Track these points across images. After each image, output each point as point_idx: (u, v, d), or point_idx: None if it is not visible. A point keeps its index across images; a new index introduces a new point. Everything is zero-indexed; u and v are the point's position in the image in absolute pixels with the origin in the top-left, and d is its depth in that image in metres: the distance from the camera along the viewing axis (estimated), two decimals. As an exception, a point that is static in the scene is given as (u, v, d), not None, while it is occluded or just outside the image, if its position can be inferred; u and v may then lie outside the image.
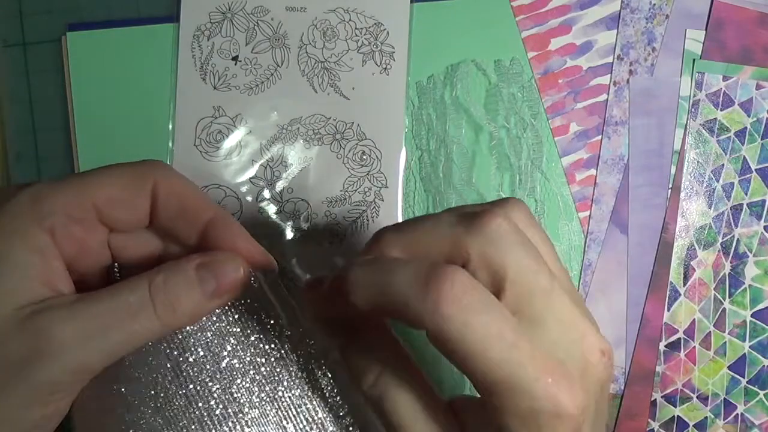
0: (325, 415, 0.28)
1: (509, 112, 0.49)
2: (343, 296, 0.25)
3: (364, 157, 0.49)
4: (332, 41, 0.49)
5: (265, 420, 0.28)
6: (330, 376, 0.29)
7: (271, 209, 0.49)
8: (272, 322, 0.29)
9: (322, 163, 0.49)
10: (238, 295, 0.28)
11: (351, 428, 0.28)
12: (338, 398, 0.28)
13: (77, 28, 0.49)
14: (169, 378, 0.28)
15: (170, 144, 0.49)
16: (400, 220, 0.49)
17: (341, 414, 0.28)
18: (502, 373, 0.23)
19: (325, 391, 0.29)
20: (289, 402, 0.28)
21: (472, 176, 0.49)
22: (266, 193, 0.49)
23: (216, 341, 0.28)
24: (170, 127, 0.49)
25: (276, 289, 0.29)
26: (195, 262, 0.27)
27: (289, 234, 0.49)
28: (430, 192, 0.49)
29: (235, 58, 0.49)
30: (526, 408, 0.23)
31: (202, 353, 0.28)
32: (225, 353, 0.28)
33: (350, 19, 0.49)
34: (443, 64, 0.50)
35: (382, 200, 0.49)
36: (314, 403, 0.28)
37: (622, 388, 0.49)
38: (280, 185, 0.49)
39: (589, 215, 0.49)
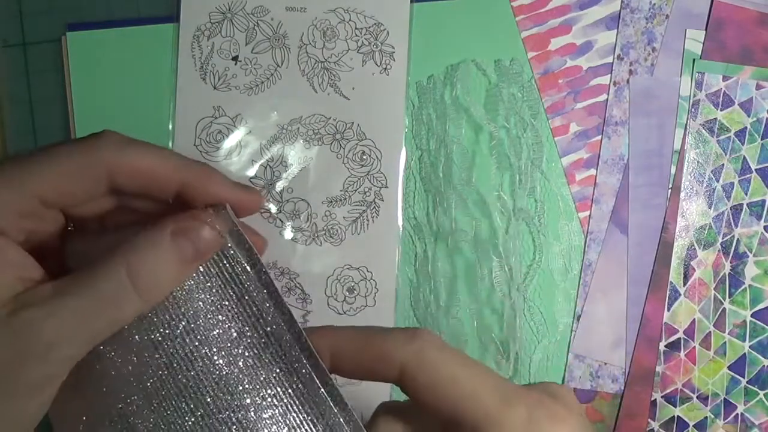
0: (297, 354, 0.28)
1: (509, 112, 0.49)
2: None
3: (364, 157, 0.49)
4: (332, 41, 0.49)
5: (237, 358, 0.28)
6: (291, 313, 0.29)
7: (271, 209, 0.49)
8: (232, 263, 0.29)
9: (322, 163, 0.49)
10: (214, 254, 0.28)
11: (317, 367, 0.28)
12: (304, 338, 0.28)
13: (77, 28, 0.49)
14: (135, 324, 0.27)
15: (170, 144, 0.49)
16: (400, 220, 0.49)
17: (310, 349, 0.28)
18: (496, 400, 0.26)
19: (291, 329, 0.28)
20: (259, 336, 0.28)
21: (472, 176, 0.49)
22: (266, 193, 0.49)
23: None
24: (170, 127, 0.49)
25: (233, 233, 0.29)
26: (169, 230, 0.27)
27: (289, 234, 0.49)
28: (430, 192, 0.49)
29: (235, 58, 0.49)
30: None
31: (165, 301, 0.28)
32: (191, 296, 0.28)
33: (350, 19, 0.49)
34: (443, 64, 0.50)
35: (382, 200, 0.49)
36: (285, 341, 0.28)
37: (622, 388, 0.49)
38: (280, 185, 0.49)
39: (589, 215, 0.49)
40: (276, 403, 0.28)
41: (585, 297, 0.49)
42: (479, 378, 0.26)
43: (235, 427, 0.27)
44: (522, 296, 0.49)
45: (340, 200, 0.49)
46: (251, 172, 0.49)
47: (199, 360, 0.28)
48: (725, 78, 0.49)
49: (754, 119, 0.49)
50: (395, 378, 0.27)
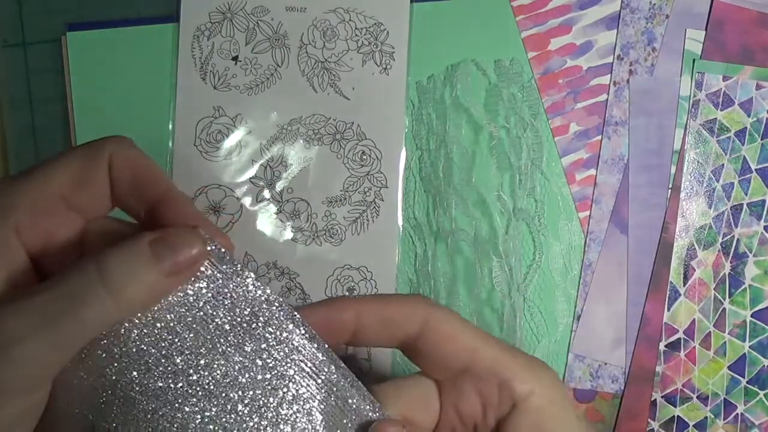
0: (320, 360, 0.28)
1: (509, 112, 0.49)
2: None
3: (364, 157, 0.49)
4: (332, 41, 0.49)
5: (245, 376, 0.28)
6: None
7: (271, 209, 0.49)
8: (226, 293, 0.28)
9: (322, 163, 0.49)
10: (197, 271, 0.27)
11: (338, 370, 0.28)
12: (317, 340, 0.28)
13: (77, 28, 0.49)
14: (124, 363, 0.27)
15: (170, 144, 0.49)
16: (400, 220, 0.49)
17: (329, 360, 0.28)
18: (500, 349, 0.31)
19: (297, 329, 0.28)
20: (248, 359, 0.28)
21: (472, 176, 0.49)
22: (266, 193, 0.49)
23: (164, 312, 0.27)
24: (170, 127, 0.49)
25: (226, 263, 0.28)
26: (149, 238, 0.26)
27: (289, 234, 0.49)
28: (430, 192, 0.49)
29: (235, 58, 0.49)
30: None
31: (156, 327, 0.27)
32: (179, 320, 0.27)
33: (350, 19, 0.49)
34: (443, 64, 0.50)
35: (382, 200, 0.49)
36: (272, 360, 0.28)
37: (622, 388, 0.49)
38: (280, 185, 0.49)
39: (589, 215, 0.49)
40: (300, 413, 0.28)
41: (585, 297, 0.49)
42: (483, 334, 0.31)
43: None
44: (522, 296, 0.49)
45: (340, 200, 0.49)
46: (251, 172, 0.49)
47: (198, 393, 0.27)
48: (725, 78, 0.49)
49: (754, 119, 0.49)
50: (416, 333, 0.30)
